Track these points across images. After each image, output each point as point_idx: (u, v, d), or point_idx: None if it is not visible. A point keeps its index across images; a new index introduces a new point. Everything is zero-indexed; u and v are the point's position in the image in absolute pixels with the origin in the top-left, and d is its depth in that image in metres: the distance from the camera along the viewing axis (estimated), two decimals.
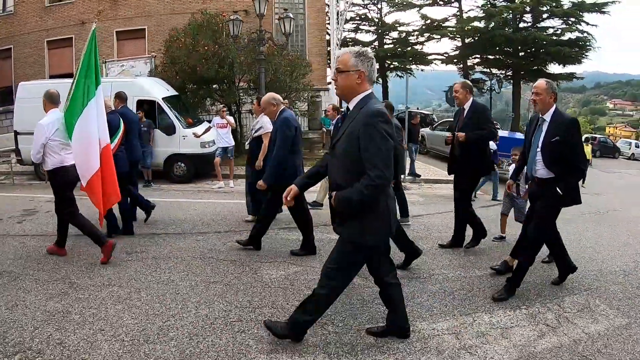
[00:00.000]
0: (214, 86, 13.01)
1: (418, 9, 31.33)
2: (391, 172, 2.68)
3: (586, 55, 28.54)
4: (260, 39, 11.72)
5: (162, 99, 10.84)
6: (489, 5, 28.32)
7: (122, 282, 4.21)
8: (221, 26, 13.14)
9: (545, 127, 4.03)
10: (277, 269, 4.69)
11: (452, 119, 6.61)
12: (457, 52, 31.66)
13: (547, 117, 4.02)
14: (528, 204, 4.67)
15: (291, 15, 12.02)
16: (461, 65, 32.28)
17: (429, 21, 31.02)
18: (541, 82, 4.11)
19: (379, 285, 3.20)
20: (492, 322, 3.54)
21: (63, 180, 4.88)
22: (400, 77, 31.93)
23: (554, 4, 27.42)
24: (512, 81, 31.25)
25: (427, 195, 10.08)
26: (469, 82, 5.64)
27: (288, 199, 3.07)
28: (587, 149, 13.31)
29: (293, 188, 3.08)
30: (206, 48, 12.11)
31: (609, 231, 7.02)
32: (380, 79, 33.56)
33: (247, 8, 17.86)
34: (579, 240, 6.25)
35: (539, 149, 4.04)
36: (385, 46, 33.82)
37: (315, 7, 21.00)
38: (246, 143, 7.84)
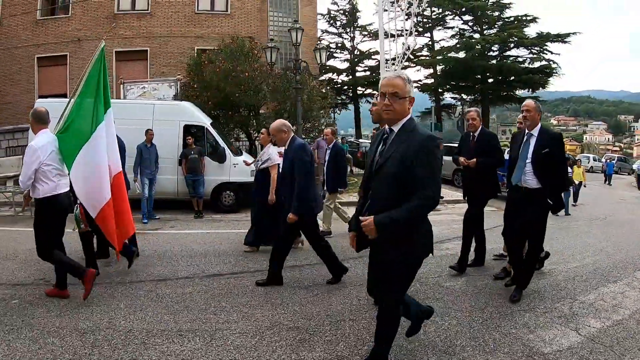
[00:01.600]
0: (246, 113, 13.08)
1: (393, 39, 32.64)
2: (440, 194, 2.83)
3: (550, 81, 31.04)
4: (296, 67, 12.02)
5: (210, 124, 10.73)
6: (467, 38, 30.25)
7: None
8: (255, 53, 13.29)
9: (533, 141, 4.48)
10: (321, 303, 4.51)
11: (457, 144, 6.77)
12: (432, 80, 33.20)
13: (535, 132, 4.52)
14: None
15: (324, 45, 12.42)
16: (433, 91, 33.98)
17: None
18: (530, 102, 4.63)
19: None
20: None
21: (55, 210, 4.37)
22: (370, 102, 33.32)
23: (522, 36, 29.67)
24: (480, 105, 33.20)
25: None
26: (479, 110, 6.14)
27: (355, 245, 3.05)
28: (579, 170, 14.28)
29: (355, 233, 3.04)
30: (246, 74, 12.22)
31: (622, 231, 8.79)
32: (352, 105, 35.03)
33: (252, 35, 18.13)
34: (608, 238, 8.01)
35: (528, 161, 4.45)
36: (357, 74, 35.04)
37: (308, 36, 21.61)
38: (251, 171, 7.88)
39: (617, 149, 78.99)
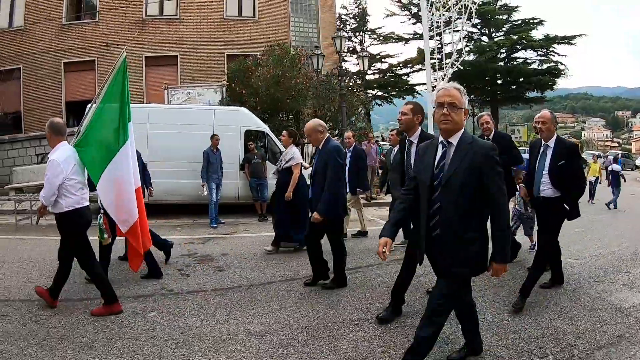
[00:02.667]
0: (286, 117, 13.28)
1: (404, 42, 33.35)
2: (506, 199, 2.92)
3: (556, 82, 31.74)
4: (341, 74, 12.24)
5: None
6: (476, 41, 30.93)
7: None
8: (302, 59, 13.48)
9: (550, 153, 4.51)
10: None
11: None
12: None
13: (551, 143, 4.53)
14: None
15: (367, 53, 12.67)
16: None
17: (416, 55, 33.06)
18: (545, 112, 4.64)
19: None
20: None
21: (78, 223, 4.29)
22: (379, 105, 34.17)
23: (530, 38, 30.37)
24: (489, 106, 33.80)
25: None
26: (489, 113, 6.22)
27: (386, 252, 2.97)
28: (595, 166, 14.56)
29: (388, 241, 3.01)
30: (297, 81, 12.41)
31: None
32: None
33: (280, 41, 18.33)
34: (633, 227, 9.24)
35: (545, 172, 4.48)
36: (367, 76, 35.42)
37: (329, 45, 21.88)
38: (272, 173, 8.18)
39: (616, 144, 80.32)
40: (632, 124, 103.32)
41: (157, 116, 10.23)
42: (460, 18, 12.19)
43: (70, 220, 4.22)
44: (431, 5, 12.68)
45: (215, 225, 9.30)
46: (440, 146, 2.95)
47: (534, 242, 6.63)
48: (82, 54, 18.47)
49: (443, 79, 12.85)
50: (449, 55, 12.89)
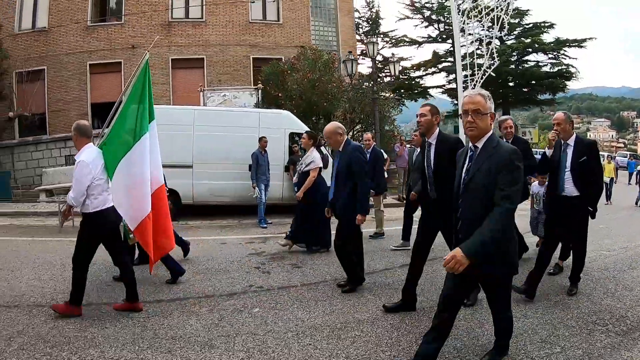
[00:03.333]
0: (315, 120, 13.49)
1: (417, 45, 33.62)
2: (519, 201, 2.92)
3: (567, 85, 32.15)
4: (373, 79, 12.47)
5: None
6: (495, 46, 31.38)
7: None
8: (334, 63, 13.71)
9: (570, 151, 4.70)
10: None
11: None
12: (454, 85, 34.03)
13: (571, 142, 4.73)
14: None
15: (400, 57, 12.90)
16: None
17: (429, 57, 33.40)
18: (559, 114, 4.84)
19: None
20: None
21: (104, 224, 4.31)
22: (401, 110, 34.52)
23: (542, 42, 30.76)
24: (501, 109, 34.11)
25: None
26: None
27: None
28: (610, 166, 14.83)
29: None
30: (333, 85, 12.64)
31: None
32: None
33: (304, 44, 18.54)
34: None
35: (567, 170, 4.66)
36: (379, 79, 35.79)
37: (348, 44, 22.13)
38: (294, 177, 8.31)
39: (622, 145, 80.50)
40: (637, 125, 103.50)
41: (203, 118, 10.47)
42: (492, 29, 12.45)
43: (95, 222, 4.25)
44: (462, 14, 12.93)
45: (265, 226, 9.50)
46: (469, 152, 3.03)
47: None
48: (108, 56, 18.55)
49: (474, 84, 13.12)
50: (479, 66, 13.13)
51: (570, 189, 4.66)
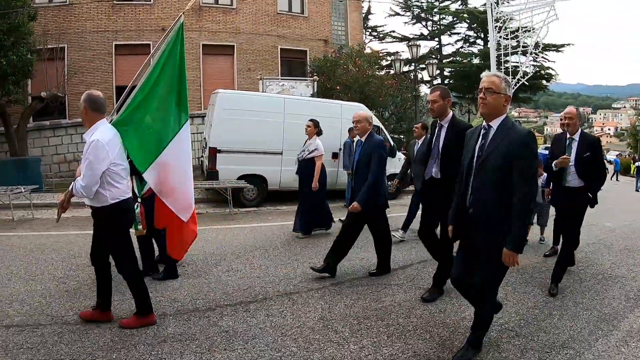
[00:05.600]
0: None
1: (407, 42, 35.15)
2: (537, 188, 3.17)
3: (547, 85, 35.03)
4: (415, 77, 13.66)
5: None
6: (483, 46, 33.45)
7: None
8: (380, 60, 14.71)
9: (575, 145, 4.90)
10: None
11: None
12: (438, 81, 35.87)
13: (576, 137, 4.93)
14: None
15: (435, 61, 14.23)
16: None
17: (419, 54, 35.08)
18: (572, 109, 5.03)
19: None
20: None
21: (127, 216, 3.70)
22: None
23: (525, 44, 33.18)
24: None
25: None
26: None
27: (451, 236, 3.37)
28: (610, 167, 16.75)
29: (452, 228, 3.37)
30: (388, 82, 13.62)
31: None
32: None
33: (327, 37, 19.34)
34: None
35: (572, 164, 4.83)
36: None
37: (356, 39, 23.08)
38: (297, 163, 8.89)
39: None
40: (592, 120, 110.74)
41: (292, 107, 11.11)
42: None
43: (118, 213, 3.55)
44: (499, 30, 14.32)
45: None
46: (482, 130, 3.13)
47: (543, 236, 7.32)
48: (136, 37, 18.16)
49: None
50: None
51: (574, 181, 4.87)
